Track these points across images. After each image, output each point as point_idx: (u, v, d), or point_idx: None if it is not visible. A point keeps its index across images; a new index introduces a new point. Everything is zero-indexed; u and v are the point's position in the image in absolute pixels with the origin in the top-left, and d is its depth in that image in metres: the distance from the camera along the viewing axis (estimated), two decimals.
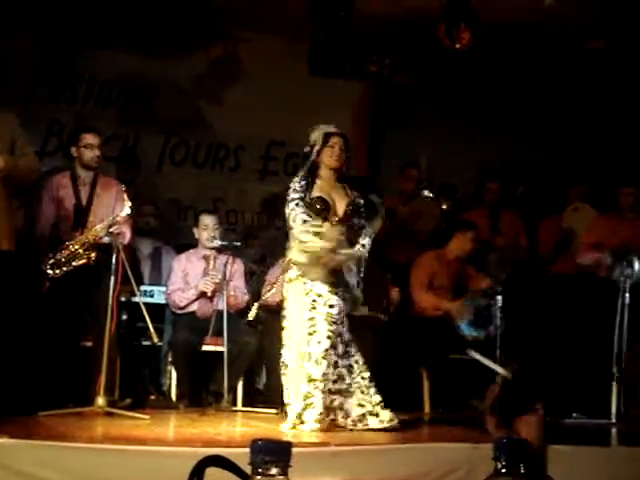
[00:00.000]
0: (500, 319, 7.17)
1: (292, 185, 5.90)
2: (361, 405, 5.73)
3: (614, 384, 6.67)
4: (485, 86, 9.36)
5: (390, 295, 7.45)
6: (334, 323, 5.69)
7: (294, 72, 9.13)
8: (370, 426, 5.69)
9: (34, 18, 8.02)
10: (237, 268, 7.24)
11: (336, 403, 5.72)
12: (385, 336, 7.12)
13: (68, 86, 8.62)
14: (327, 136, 5.99)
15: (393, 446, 5.15)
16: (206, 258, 7.19)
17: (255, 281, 7.64)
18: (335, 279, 5.78)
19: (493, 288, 7.43)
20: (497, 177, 8.48)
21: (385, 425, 5.68)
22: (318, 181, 5.93)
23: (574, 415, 6.79)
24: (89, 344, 6.41)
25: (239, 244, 7.41)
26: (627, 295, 6.70)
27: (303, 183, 5.88)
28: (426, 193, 8.27)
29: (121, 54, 8.64)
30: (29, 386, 5.77)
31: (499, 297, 7.24)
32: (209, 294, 7.07)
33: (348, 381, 5.75)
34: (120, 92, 8.85)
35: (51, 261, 6.19)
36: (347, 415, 5.74)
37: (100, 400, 5.86)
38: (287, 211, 5.84)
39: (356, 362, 5.78)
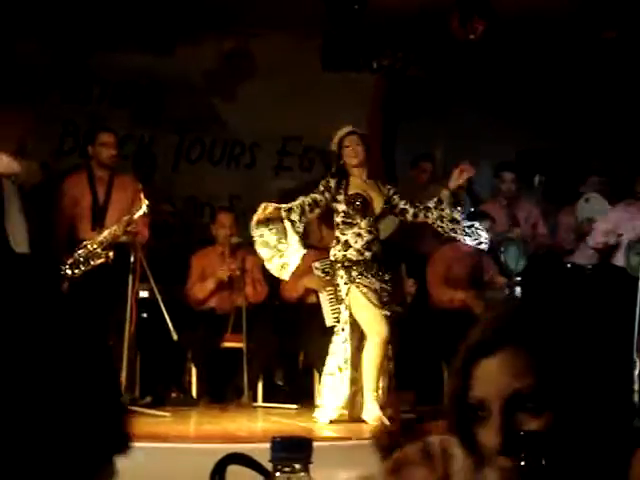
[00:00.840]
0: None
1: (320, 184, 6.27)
2: None
3: (636, 373, 6.64)
4: (499, 77, 9.31)
5: (405, 287, 7.43)
6: None
7: (307, 66, 9.11)
8: None
9: (46, 20, 8.02)
10: (255, 262, 7.26)
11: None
12: (404, 329, 7.11)
13: (82, 87, 8.63)
14: (341, 140, 6.31)
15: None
16: (224, 255, 7.22)
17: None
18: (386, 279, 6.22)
19: (511, 280, 7.42)
20: (513, 168, 8.44)
21: None
22: (352, 179, 6.26)
23: None
24: (109, 343, 6.43)
25: None
26: None
27: (333, 182, 6.23)
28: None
29: (133, 54, 8.63)
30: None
31: (518, 288, 7.22)
32: (226, 279, 7.09)
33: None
34: (134, 92, 8.85)
35: (69, 261, 6.21)
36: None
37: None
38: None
39: None
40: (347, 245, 6.16)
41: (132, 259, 6.10)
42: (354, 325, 6.06)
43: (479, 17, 7.16)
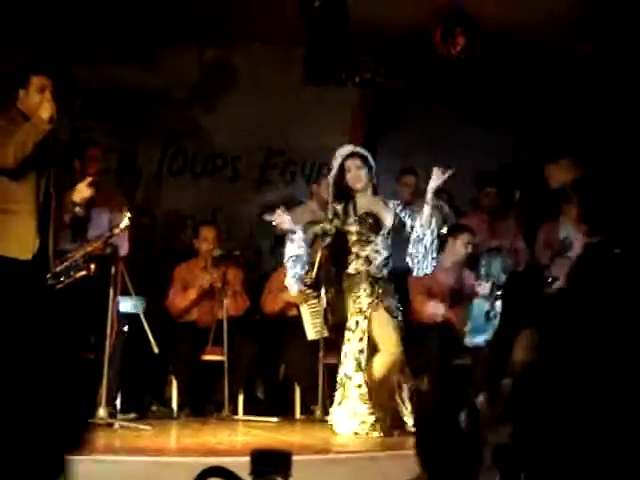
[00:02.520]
0: (500, 324, 7.17)
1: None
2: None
3: None
4: (481, 91, 9.37)
5: None
6: None
7: (290, 80, 9.13)
8: None
9: (27, 31, 8.01)
10: (236, 275, 7.28)
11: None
12: None
13: (64, 99, 8.60)
14: (342, 162, 6.26)
15: (394, 452, 5.16)
16: (206, 268, 7.22)
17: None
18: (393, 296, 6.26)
19: (493, 293, 7.43)
20: (495, 182, 8.47)
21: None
22: (358, 199, 6.26)
23: None
24: (90, 356, 6.42)
25: (238, 253, 7.43)
26: None
27: (340, 208, 6.23)
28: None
29: (115, 65, 8.63)
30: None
31: (498, 302, 7.24)
32: (207, 287, 7.09)
33: None
34: (116, 103, 8.84)
35: (51, 274, 6.19)
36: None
37: (102, 411, 5.87)
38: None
39: None
40: (368, 261, 6.19)
41: (113, 271, 6.09)
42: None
43: (460, 32, 7.19)
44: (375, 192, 6.36)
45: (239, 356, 6.89)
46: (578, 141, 9.38)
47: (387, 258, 6.24)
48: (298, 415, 6.98)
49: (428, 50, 7.59)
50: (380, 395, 6.05)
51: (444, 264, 7.55)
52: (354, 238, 6.23)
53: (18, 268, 5.45)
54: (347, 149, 6.33)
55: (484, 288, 7.49)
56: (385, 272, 6.21)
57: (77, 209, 5.83)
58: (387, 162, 8.72)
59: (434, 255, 6.31)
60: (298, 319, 7.18)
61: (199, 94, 8.99)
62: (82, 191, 5.81)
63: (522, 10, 7.34)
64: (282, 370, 7.34)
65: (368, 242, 6.20)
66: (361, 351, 6.05)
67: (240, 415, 6.90)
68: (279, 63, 8.99)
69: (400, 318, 6.25)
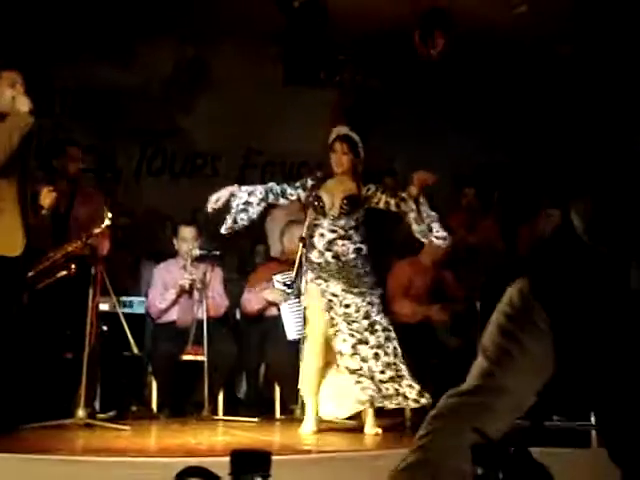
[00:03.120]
0: (479, 325, 7.20)
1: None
2: (411, 386, 5.95)
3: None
4: (459, 91, 9.41)
5: None
6: (354, 322, 5.95)
7: (269, 80, 9.14)
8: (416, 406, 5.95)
9: (2, 30, 7.98)
10: (216, 275, 7.27)
11: (391, 391, 5.92)
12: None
13: (43, 98, 8.58)
14: (332, 141, 6.22)
15: (375, 452, 5.16)
16: (185, 268, 7.22)
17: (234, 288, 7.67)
18: (350, 278, 6.02)
19: (471, 294, 7.46)
20: (472, 182, 8.51)
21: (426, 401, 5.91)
22: (329, 180, 6.20)
23: (555, 418, 6.83)
24: (69, 356, 6.40)
25: (218, 253, 7.43)
26: None
27: (310, 183, 6.21)
28: None
29: (93, 65, 8.62)
30: (9, 400, 5.75)
31: (478, 303, 7.27)
32: (187, 288, 7.09)
33: (396, 366, 5.98)
34: (94, 103, 8.83)
35: (31, 272, 6.18)
36: (406, 398, 5.93)
37: (80, 412, 5.85)
38: None
39: (396, 347, 6.03)
40: (312, 246, 6.13)
41: (92, 272, 6.08)
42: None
43: (440, 33, 7.22)
44: (357, 180, 6.24)
45: (219, 356, 6.88)
46: (555, 142, 9.44)
47: (331, 241, 6.09)
48: (278, 415, 6.98)
49: (407, 50, 7.60)
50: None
51: (422, 264, 7.58)
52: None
53: (7, 265, 5.44)
54: (343, 130, 6.30)
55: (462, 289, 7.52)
56: (328, 255, 6.07)
57: (43, 211, 5.81)
58: (365, 163, 8.72)
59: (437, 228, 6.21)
60: (278, 319, 7.19)
61: (178, 94, 8.99)
62: (45, 197, 5.79)
63: (500, 11, 7.38)
64: (262, 370, 7.34)
65: (315, 225, 6.14)
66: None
67: (220, 415, 6.89)
68: (258, 62, 9.00)
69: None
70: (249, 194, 6.15)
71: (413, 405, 5.94)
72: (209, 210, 6.21)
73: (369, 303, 6.01)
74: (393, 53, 8.49)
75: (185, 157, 9.20)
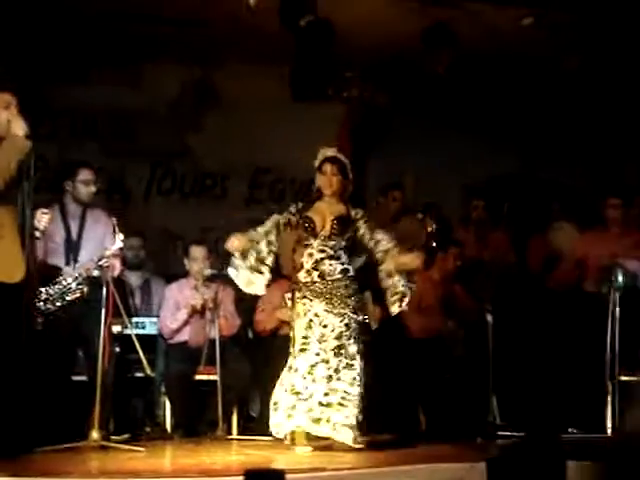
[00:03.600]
0: (492, 337, 7.18)
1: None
2: (349, 424, 5.86)
3: (608, 398, 6.69)
4: (467, 105, 9.42)
5: (369, 313, 7.39)
6: (324, 341, 5.98)
7: (277, 98, 9.14)
8: (341, 440, 5.85)
9: (11, 52, 8.01)
10: (227, 294, 7.27)
11: (323, 416, 5.87)
12: (378, 357, 7.11)
13: (48, 120, 8.61)
14: (321, 163, 6.24)
15: (390, 468, 5.13)
16: (197, 288, 7.22)
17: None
18: (334, 299, 6.03)
19: (482, 307, 7.45)
20: (483, 195, 8.49)
21: (350, 444, 5.83)
22: (318, 202, 6.22)
23: (570, 430, 6.81)
24: (83, 378, 6.40)
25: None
26: (617, 309, 6.73)
27: (299, 206, 6.24)
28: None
29: (105, 87, 8.65)
30: (24, 423, 5.74)
31: (489, 316, 7.25)
32: (199, 308, 7.08)
33: (346, 396, 5.91)
34: (103, 124, 8.86)
35: (44, 296, 6.19)
36: (334, 429, 5.87)
37: (95, 434, 5.85)
38: None
39: (355, 378, 5.97)
40: (300, 266, 6.14)
41: (104, 293, 6.08)
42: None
43: (445, 48, 7.22)
44: (346, 201, 6.26)
45: (232, 375, 6.87)
46: (564, 152, 9.46)
47: (319, 261, 6.08)
48: None
49: (413, 65, 7.61)
50: None
51: (433, 278, 7.57)
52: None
53: (7, 292, 5.42)
54: (330, 151, 6.32)
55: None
56: (315, 274, 6.08)
57: (37, 233, 5.78)
58: (375, 177, 8.77)
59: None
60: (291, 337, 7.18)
61: (187, 114, 9.01)
62: (39, 219, 5.77)
63: (507, 24, 7.38)
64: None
65: (306, 246, 6.15)
66: None
67: (234, 434, 6.88)
68: (265, 81, 9.00)
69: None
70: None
71: (339, 439, 5.87)
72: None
73: (346, 325, 6.02)
74: (400, 68, 8.50)
75: (194, 177, 9.22)
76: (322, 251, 6.09)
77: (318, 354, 5.96)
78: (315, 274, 6.06)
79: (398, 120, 9.41)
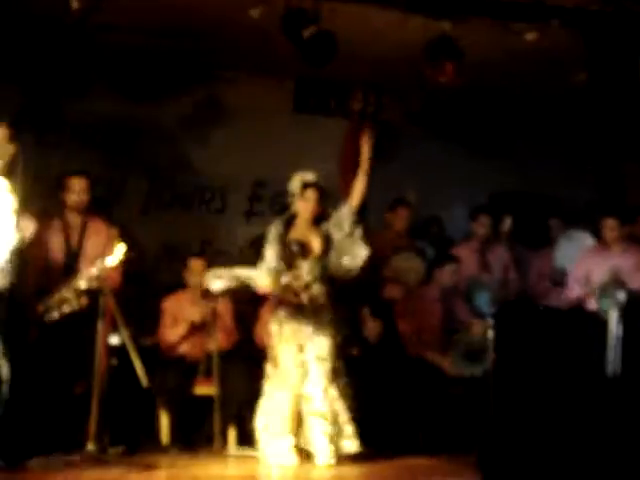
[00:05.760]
0: (492, 354, 7.13)
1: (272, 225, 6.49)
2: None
3: None
4: (473, 120, 9.43)
5: (367, 328, 7.38)
6: (325, 361, 6.20)
7: (279, 111, 9.14)
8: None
9: (19, 64, 8.02)
10: (226, 308, 7.25)
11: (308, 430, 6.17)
12: (376, 372, 7.08)
13: (54, 131, 8.61)
14: (303, 188, 6.38)
15: None
16: (195, 301, 7.19)
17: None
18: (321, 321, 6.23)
19: (485, 328, 7.41)
20: (488, 211, 8.45)
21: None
22: (297, 222, 6.42)
23: None
24: (79, 390, 6.36)
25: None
26: (620, 326, 6.68)
27: (282, 224, 6.44)
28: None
29: (106, 99, 8.64)
30: (19, 434, 5.71)
31: (490, 332, 7.20)
32: (197, 322, 7.06)
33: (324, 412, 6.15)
34: (106, 136, 8.84)
35: (42, 307, 6.16)
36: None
37: (90, 446, 5.81)
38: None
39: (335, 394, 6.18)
40: (288, 288, 6.27)
41: (102, 305, 6.05)
42: None
43: (448, 60, 7.21)
44: (318, 219, 6.43)
45: (230, 389, 6.84)
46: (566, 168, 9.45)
47: (308, 285, 6.27)
48: None
49: (417, 79, 7.60)
50: None
51: (432, 295, 7.53)
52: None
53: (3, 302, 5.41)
54: (311, 177, 6.43)
55: (476, 330, 7.45)
56: (304, 298, 6.25)
57: (22, 242, 5.76)
58: (379, 193, 8.73)
59: None
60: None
61: (187, 127, 9.00)
62: (25, 228, 5.76)
63: (511, 40, 7.38)
64: None
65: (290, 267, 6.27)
66: None
67: (231, 449, 6.84)
68: (267, 95, 9.01)
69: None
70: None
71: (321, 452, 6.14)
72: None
73: (329, 346, 6.24)
74: (404, 82, 8.51)
75: (194, 190, 9.19)
76: (310, 274, 6.24)
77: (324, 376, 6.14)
78: (305, 297, 6.14)
79: (401, 135, 9.42)
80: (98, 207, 7.09)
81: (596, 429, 6.03)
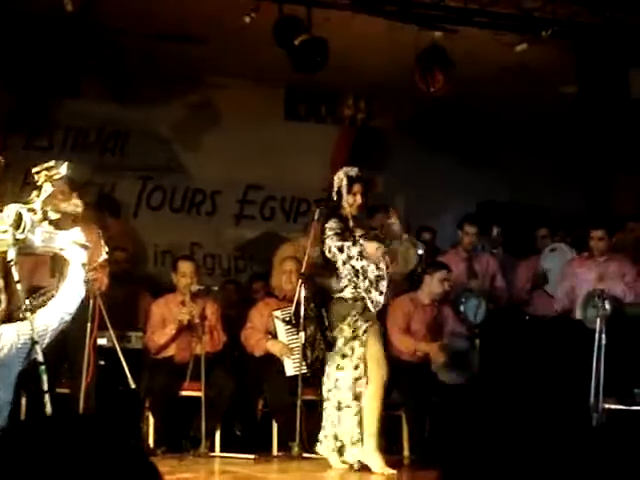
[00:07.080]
0: (478, 362, 7.17)
1: (329, 228, 6.23)
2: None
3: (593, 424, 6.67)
4: (461, 130, 9.46)
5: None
6: None
7: (270, 116, 9.18)
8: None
9: (10, 67, 8.02)
10: (214, 311, 7.24)
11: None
12: None
13: (44, 133, 8.62)
14: (350, 183, 6.24)
15: None
16: (184, 303, 7.19)
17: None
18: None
19: (471, 331, 7.44)
20: (475, 220, 8.48)
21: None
22: (353, 223, 6.29)
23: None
24: (65, 391, 6.36)
25: (216, 288, 7.42)
26: (603, 336, 6.72)
27: (337, 220, 6.24)
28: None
29: (98, 101, 8.66)
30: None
31: (477, 340, 7.24)
32: (186, 323, 7.05)
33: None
34: (97, 138, 8.85)
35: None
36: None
37: None
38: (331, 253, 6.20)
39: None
40: (371, 284, 6.20)
41: (90, 306, 6.05)
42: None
43: (439, 70, 7.24)
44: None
45: (217, 392, 6.85)
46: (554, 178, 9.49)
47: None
48: (275, 452, 6.93)
49: (408, 88, 7.63)
50: (373, 425, 6.11)
51: (422, 301, 7.54)
52: (352, 262, 6.19)
53: None
54: (354, 171, 6.35)
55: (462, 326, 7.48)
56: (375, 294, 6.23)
57: None
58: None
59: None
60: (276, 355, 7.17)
61: (179, 130, 9.01)
62: None
63: (502, 51, 7.42)
64: (259, 406, 7.30)
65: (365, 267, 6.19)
66: (357, 379, 6.07)
67: (217, 452, 6.85)
68: (259, 100, 9.04)
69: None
70: None
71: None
72: None
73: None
74: (394, 90, 8.53)
75: (185, 192, 9.20)
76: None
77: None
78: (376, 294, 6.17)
79: (391, 142, 9.45)
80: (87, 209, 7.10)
81: (579, 440, 6.06)
